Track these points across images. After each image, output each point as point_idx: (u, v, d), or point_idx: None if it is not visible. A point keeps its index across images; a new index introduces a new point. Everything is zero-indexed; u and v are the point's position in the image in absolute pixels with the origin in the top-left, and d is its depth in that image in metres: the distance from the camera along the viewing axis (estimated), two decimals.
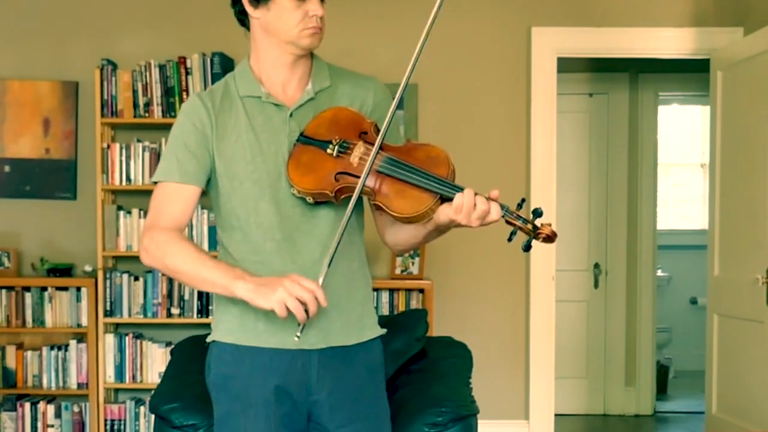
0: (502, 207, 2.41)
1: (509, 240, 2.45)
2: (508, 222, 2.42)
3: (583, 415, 7.49)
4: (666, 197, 9.73)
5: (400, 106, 2.54)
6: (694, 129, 10.00)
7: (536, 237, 2.41)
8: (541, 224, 2.42)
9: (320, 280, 2.40)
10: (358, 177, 2.46)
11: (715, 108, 5.90)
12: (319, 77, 2.68)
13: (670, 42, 6.14)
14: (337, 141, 2.53)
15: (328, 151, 2.53)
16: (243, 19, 2.66)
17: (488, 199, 2.40)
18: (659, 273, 8.43)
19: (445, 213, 2.41)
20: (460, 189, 2.41)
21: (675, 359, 8.88)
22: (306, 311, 2.36)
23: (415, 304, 5.86)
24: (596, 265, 7.50)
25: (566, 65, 6.63)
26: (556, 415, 6.31)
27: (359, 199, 2.60)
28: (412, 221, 2.48)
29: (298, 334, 2.40)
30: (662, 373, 8.28)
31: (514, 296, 6.20)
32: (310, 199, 2.54)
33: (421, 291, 5.85)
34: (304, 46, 2.58)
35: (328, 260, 2.43)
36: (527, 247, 2.43)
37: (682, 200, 10.09)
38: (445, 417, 3.44)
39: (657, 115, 7.59)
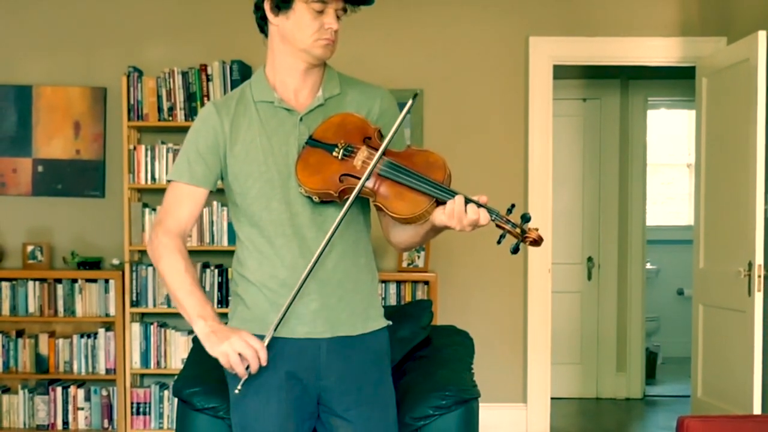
0: (492, 212, 2.41)
1: (498, 243, 2.45)
2: (498, 226, 2.42)
3: (577, 398, 7.49)
4: (654, 195, 9.71)
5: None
6: (681, 132, 9.98)
7: (524, 241, 2.41)
8: (529, 228, 2.41)
9: (266, 341, 2.47)
10: (360, 179, 2.47)
11: (700, 112, 5.88)
12: (330, 85, 2.68)
13: (659, 50, 6.13)
14: (343, 145, 2.53)
15: (334, 153, 2.53)
16: (263, 25, 2.67)
17: (479, 205, 2.40)
18: (648, 266, 8.43)
19: (439, 218, 2.43)
20: (455, 194, 2.41)
21: (663, 346, 8.87)
22: (248, 367, 2.45)
23: (420, 295, 5.85)
24: (589, 259, 7.49)
25: (561, 72, 6.64)
26: (552, 398, 6.31)
27: (364, 200, 2.60)
28: (409, 222, 2.48)
29: (239, 387, 2.48)
30: (651, 359, 8.27)
31: (513, 288, 6.19)
32: (316, 198, 2.55)
33: (427, 283, 5.85)
34: (316, 56, 2.59)
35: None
36: (515, 250, 2.41)
37: (670, 198, 10.07)
38: (448, 400, 3.43)
39: (646, 119, 7.58)
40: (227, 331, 2.47)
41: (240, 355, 2.43)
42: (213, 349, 2.45)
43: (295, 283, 2.53)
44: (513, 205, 2.46)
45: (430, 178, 2.45)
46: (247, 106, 2.65)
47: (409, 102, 2.47)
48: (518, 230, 2.40)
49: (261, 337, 2.60)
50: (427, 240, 2.64)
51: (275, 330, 2.50)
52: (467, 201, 2.40)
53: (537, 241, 2.41)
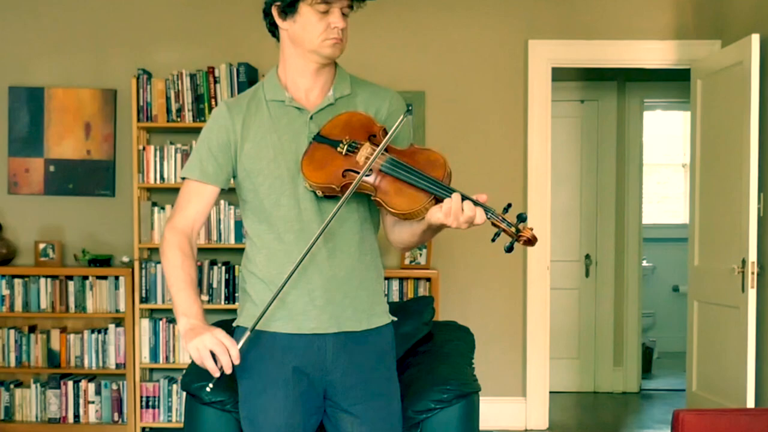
0: (488, 210, 2.40)
1: (493, 240, 2.44)
2: (493, 224, 2.41)
3: (575, 392, 7.48)
4: (650, 194, 9.71)
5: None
6: (676, 132, 9.97)
7: (518, 240, 2.39)
8: (523, 227, 2.40)
9: (240, 344, 2.45)
10: None
11: (695, 113, 5.88)
12: (341, 85, 2.69)
13: (655, 53, 6.13)
14: (347, 141, 2.54)
15: (339, 149, 2.53)
16: (273, 30, 2.68)
17: (476, 203, 2.39)
18: (644, 263, 8.42)
19: (436, 215, 2.40)
20: (452, 191, 2.40)
21: (659, 341, 8.86)
22: (222, 366, 2.42)
23: (422, 291, 5.85)
24: (587, 256, 7.49)
25: (560, 74, 6.63)
26: (550, 392, 6.31)
27: (372, 199, 2.61)
28: (407, 217, 2.48)
29: (210, 385, 2.51)
30: (647, 354, 8.26)
31: (513, 284, 6.20)
32: (319, 192, 2.56)
33: (428, 280, 5.85)
34: (325, 55, 2.59)
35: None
36: (509, 249, 2.41)
37: (665, 197, 10.07)
38: (449, 394, 3.44)
39: (642, 120, 7.57)
40: (203, 329, 2.47)
41: (212, 353, 2.42)
42: (187, 344, 2.47)
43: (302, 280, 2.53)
44: (509, 204, 2.45)
45: (429, 175, 2.44)
46: (259, 104, 2.66)
47: (401, 117, 2.51)
48: (513, 229, 2.39)
49: (264, 334, 2.61)
50: (425, 240, 2.63)
51: (257, 323, 2.50)
52: (464, 198, 2.39)
53: (531, 241, 2.39)
